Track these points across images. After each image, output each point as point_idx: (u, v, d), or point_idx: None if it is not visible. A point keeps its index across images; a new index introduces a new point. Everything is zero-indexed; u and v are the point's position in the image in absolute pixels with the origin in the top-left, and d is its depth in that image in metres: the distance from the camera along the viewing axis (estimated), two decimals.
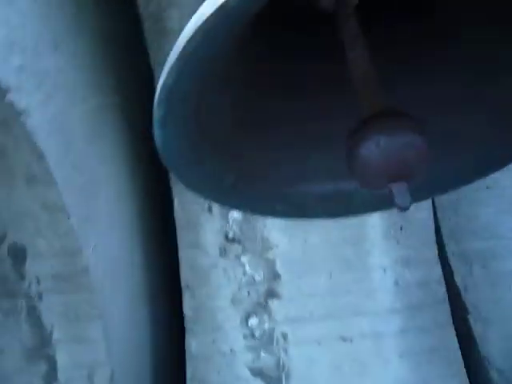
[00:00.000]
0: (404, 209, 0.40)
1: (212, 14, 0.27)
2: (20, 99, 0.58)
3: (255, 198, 0.56)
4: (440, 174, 0.46)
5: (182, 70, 0.31)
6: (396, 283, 1.01)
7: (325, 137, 0.59)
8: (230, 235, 1.00)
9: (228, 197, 0.52)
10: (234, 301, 0.99)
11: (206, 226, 1.00)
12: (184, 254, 1.00)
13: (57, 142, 0.68)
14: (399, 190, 0.40)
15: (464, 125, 0.53)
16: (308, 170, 0.59)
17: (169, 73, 0.31)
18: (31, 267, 0.75)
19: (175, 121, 0.38)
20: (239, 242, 1.00)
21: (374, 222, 1.01)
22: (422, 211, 1.00)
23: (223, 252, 1.00)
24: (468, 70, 0.53)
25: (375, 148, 0.41)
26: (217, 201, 0.54)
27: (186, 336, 0.98)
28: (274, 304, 1.00)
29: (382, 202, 0.53)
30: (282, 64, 0.54)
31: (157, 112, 0.36)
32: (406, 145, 0.40)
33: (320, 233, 1.00)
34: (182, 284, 1.00)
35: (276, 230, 1.00)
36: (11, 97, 0.57)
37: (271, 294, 1.00)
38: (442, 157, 0.49)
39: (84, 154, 0.76)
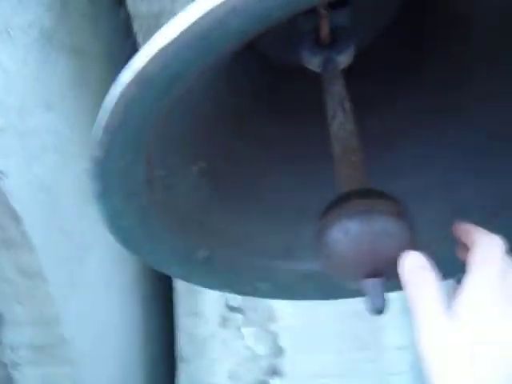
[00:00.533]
0: (377, 312, 0.33)
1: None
2: None
3: (234, 275, 0.50)
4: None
5: (111, 142, 0.27)
6: (413, 366, 0.90)
7: (312, 207, 0.53)
8: (231, 303, 0.93)
9: (201, 273, 0.47)
10: (233, 377, 0.91)
11: (206, 293, 0.93)
12: (181, 322, 0.93)
13: (40, 205, 0.65)
14: (372, 288, 0.34)
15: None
16: (295, 244, 0.53)
17: (98, 144, 0.27)
18: (7, 335, 0.70)
19: (118, 197, 0.34)
20: (241, 311, 0.93)
21: (392, 295, 0.93)
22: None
23: (223, 322, 0.93)
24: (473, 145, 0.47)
25: (343, 236, 0.35)
26: (187, 278, 0.48)
27: None
28: (276, 383, 0.91)
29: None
30: (265, 124, 0.50)
31: (93, 186, 0.31)
32: (381, 233, 0.34)
33: (329, 304, 0.92)
34: (177, 355, 0.93)
35: (282, 301, 0.92)
36: None
37: (274, 371, 0.91)
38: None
39: (74, 217, 0.73)
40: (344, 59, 0.45)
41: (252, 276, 0.51)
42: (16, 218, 0.60)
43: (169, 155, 0.38)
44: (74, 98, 0.71)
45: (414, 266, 0.34)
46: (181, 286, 0.94)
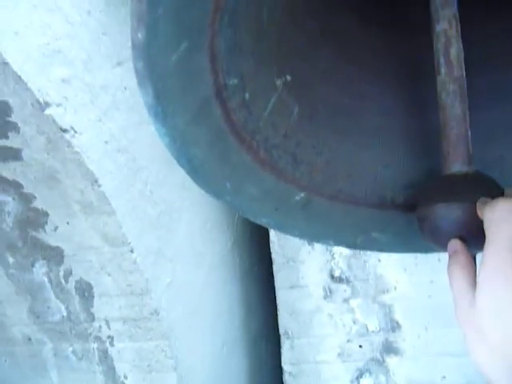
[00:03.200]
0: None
1: None
2: (63, 115, 0.51)
3: (342, 223, 0.40)
4: None
5: None
6: None
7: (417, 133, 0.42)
8: (337, 273, 0.83)
9: (298, 220, 0.37)
10: (343, 355, 0.81)
11: (308, 263, 0.84)
12: (282, 296, 0.85)
13: (118, 166, 0.60)
14: None
15: None
16: (410, 180, 0.42)
17: None
18: (100, 308, 0.66)
19: (181, 110, 0.25)
20: (348, 281, 0.82)
21: None
22: None
23: (328, 294, 0.83)
24: None
25: (442, 223, 0.39)
26: (281, 228, 0.39)
27: None
28: (393, 362, 0.80)
29: None
30: (364, 40, 0.39)
31: (145, 93, 0.23)
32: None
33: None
34: (281, 331, 0.85)
35: (393, 267, 0.81)
36: (52, 112, 0.50)
37: (389, 348, 0.80)
38: None
39: (156, 182, 0.67)
40: None
41: (365, 223, 0.40)
42: (93, 179, 0.55)
43: (243, 59, 0.29)
44: None
45: (454, 249, 0.38)
46: (279, 257, 0.86)
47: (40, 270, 0.66)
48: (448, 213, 0.37)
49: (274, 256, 0.86)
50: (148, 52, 0.22)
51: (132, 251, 0.61)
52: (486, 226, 0.35)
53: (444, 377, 0.77)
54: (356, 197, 0.39)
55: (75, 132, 0.52)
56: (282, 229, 0.39)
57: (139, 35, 0.20)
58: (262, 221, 0.38)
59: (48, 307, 0.69)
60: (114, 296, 0.65)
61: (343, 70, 0.37)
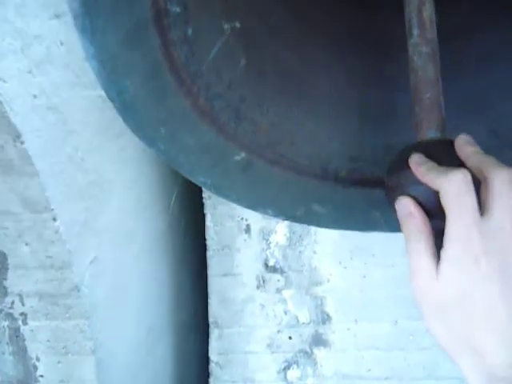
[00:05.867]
0: None
1: None
2: None
3: (281, 190, 0.38)
4: None
5: None
6: None
7: (390, 106, 0.41)
8: (271, 263, 0.82)
9: (237, 183, 0.35)
10: (272, 346, 0.80)
11: (243, 251, 0.82)
12: (214, 284, 0.83)
13: (46, 125, 0.55)
14: None
15: None
16: (360, 154, 0.41)
17: None
18: (14, 282, 0.61)
19: (113, 27, 0.22)
20: (282, 271, 0.81)
21: None
22: None
23: (262, 283, 0.82)
24: None
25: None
26: (219, 189, 0.37)
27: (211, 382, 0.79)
28: (321, 354, 0.79)
29: None
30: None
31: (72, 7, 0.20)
32: None
33: (384, 267, 0.80)
34: (210, 320, 0.82)
35: (328, 259, 0.80)
36: None
37: (319, 340, 0.79)
38: None
39: (89, 149, 0.63)
40: None
41: (306, 194, 0.39)
42: (15, 134, 0.50)
43: None
44: None
45: (404, 212, 0.36)
46: (214, 244, 0.84)
47: None
48: (408, 188, 0.35)
49: (208, 242, 0.83)
50: None
51: (55, 219, 0.56)
52: (443, 198, 0.33)
53: (369, 370, 0.77)
54: (298, 165, 0.37)
55: (1, 80, 0.47)
56: (219, 190, 0.37)
57: None
58: (198, 179, 0.35)
59: None
60: (31, 268, 0.60)
61: (294, 29, 0.35)
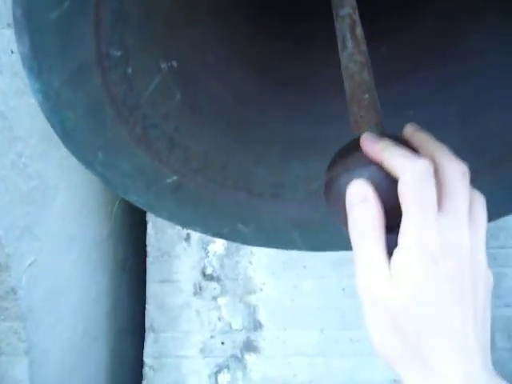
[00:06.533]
0: None
1: None
2: None
3: (210, 210, 0.42)
4: None
5: None
6: None
7: (311, 139, 0.45)
8: (209, 271, 0.85)
9: (170, 204, 0.39)
10: (205, 351, 0.84)
11: (182, 258, 0.86)
12: (152, 290, 0.86)
13: None
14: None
15: None
16: (283, 182, 0.46)
17: None
18: None
19: (59, 69, 0.26)
20: (218, 280, 0.85)
21: None
22: None
23: (198, 291, 0.85)
24: None
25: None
26: (152, 208, 0.41)
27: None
28: (251, 359, 0.84)
29: None
30: (257, 38, 0.42)
31: (22, 44, 0.23)
32: (388, 184, 0.31)
33: (314, 279, 0.85)
34: (147, 325, 0.85)
35: (262, 270, 0.85)
36: None
37: (249, 346, 0.84)
38: None
39: (32, 155, 0.64)
40: None
41: (232, 214, 0.43)
42: None
43: (131, 34, 0.30)
44: None
45: (357, 198, 0.31)
46: (154, 250, 0.86)
47: None
48: (358, 170, 0.31)
49: (149, 249, 0.86)
50: (28, 1, 0.22)
51: None
52: (403, 186, 0.29)
53: (295, 375, 0.82)
54: (226, 188, 0.42)
55: None
56: (151, 209, 0.41)
57: None
58: (132, 198, 0.39)
59: None
60: None
61: (227, 65, 0.39)
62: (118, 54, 0.29)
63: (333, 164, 0.34)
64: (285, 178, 0.45)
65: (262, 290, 0.84)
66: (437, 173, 0.30)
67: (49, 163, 0.68)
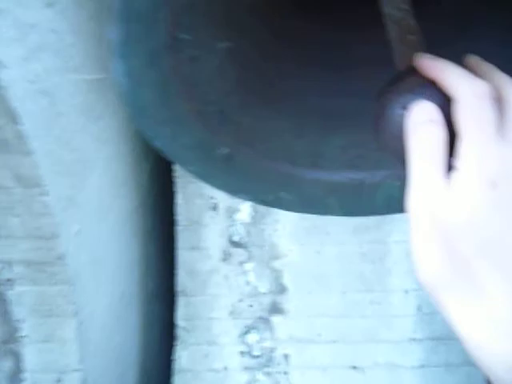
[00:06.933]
0: None
1: None
2: None
3: (256, 180, 0.46)
4: None
5: None
6: (419, 309, 0.88)
7: (344, 114, 0.49)
8: (235, 238, 0.90)
9: (220, 173, 0.43)
10: (234, 313, 0.89)
11: (210, 227, 0.90)
12: (182, 256, 0.90)
13: (40, 108, 0.60)
14: None
15: None
16: (323, 152, 0.49)
17: None
18: (3, 249, 0.66)
19: (141, 52, 0.29)
20: (245, 246, 0.89)
21: (399, 238, 0.90)
22: None
23: (226, 257, 0.90)
24: None
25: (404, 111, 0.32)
26: (205, 177, 0.44)
27: (177, 347, 0.87)
28: (277, 320, 0.89)
29: None
30: (299, 18, 0.45)
31: (113, 32, 0.27)
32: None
33: (336, 245, 0.89)
34: (178, 289, 0.90)
35: (287, 237, 0.89)
36: None
37: (275, 309, 0.89)
38: None
39: (76, 130, 0.68)
40: None
41: (275, 184, 0.47)
42: (13, 116, 0.55)
43: (196, 19, 0.33)
44: (76, 1, 0.65)
45: (423, 118, 0.30)
46: (182, 219, 0.90)
47: None
48: (416, 91, 0.31)
49: (178, 218, 0.90)
50: None
51: (45, 194, 0.62)
52: (462, 108, 0.28)
53: (319, 334, 0.88)
54: (270, 159, 0.45)
55: (4, 66, 0.52)
56: (206, 179, 0.44)
57: None
58: (189, 169, 0.42)
59: None
60: (20, 238, 0.65)
61: (276, 47, 0.42)
62: (187, 37, 0.32)
63: (385, 91, 0.34)
64: (323, 148, 0.48)
65: (286, 255, 0.89)
66: (500, 101, 0.29)
67: (88, 137, 0.71)
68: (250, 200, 0.47)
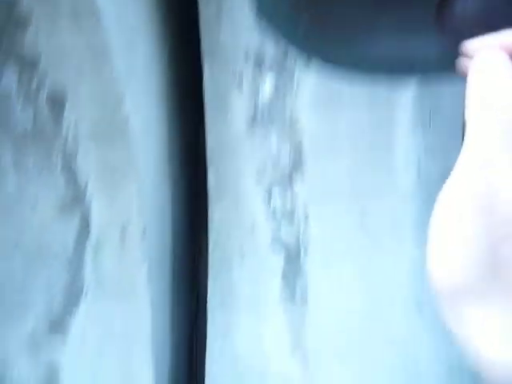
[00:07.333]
0: None
1: None
2: None
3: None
4: None
5: None
6: (418, 175, 1.01)
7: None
8: (259, 111, 0.98)
9: (302, 44, 0.50)
10: (259, 174, 1.00)
11: (235, 100, 0.98)
12: (210, 126, 0.99)
13: None
14: None
15: None
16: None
17: None
18: (70, 113, 0.73)
19: None
20: (268, 118, 0.98)
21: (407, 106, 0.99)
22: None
23: (251, 128, 0.99)
24: None
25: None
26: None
27: (210, 204, 0.99)
28: (297, 181, 1.01)
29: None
30: None
31: None
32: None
33: (350, 115, 0.99)
34: (208, 156, 1.00)
35: (306, 110, 0.98)
36: None
37: (296, 171, 1.01)
38: None
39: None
40: None
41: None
42: None
43: None
44: None
45: (492, 60, 0.28)
46: (209, 93, 0.97)
47: (10, 78, 0.69)
48: None
49: (205, 91, 0.97)
50: None
51: (113, 65, 0.68)
52: None
53: (333, 191, 1.01)
54: None
55: None
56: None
57: None
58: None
59: (13, 116, 0.72)
60: (87, 108, 0.72)
61: None
62: None
63: None
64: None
65: (306, 126, 0.99)
66: None
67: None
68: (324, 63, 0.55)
